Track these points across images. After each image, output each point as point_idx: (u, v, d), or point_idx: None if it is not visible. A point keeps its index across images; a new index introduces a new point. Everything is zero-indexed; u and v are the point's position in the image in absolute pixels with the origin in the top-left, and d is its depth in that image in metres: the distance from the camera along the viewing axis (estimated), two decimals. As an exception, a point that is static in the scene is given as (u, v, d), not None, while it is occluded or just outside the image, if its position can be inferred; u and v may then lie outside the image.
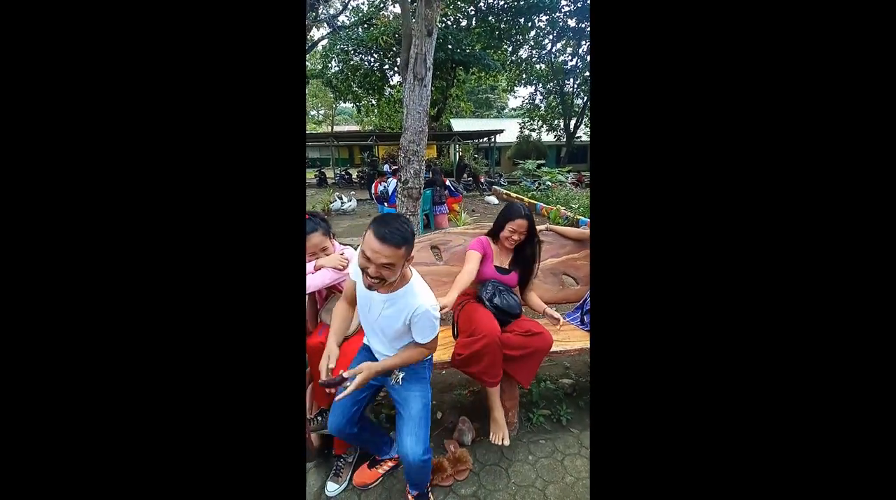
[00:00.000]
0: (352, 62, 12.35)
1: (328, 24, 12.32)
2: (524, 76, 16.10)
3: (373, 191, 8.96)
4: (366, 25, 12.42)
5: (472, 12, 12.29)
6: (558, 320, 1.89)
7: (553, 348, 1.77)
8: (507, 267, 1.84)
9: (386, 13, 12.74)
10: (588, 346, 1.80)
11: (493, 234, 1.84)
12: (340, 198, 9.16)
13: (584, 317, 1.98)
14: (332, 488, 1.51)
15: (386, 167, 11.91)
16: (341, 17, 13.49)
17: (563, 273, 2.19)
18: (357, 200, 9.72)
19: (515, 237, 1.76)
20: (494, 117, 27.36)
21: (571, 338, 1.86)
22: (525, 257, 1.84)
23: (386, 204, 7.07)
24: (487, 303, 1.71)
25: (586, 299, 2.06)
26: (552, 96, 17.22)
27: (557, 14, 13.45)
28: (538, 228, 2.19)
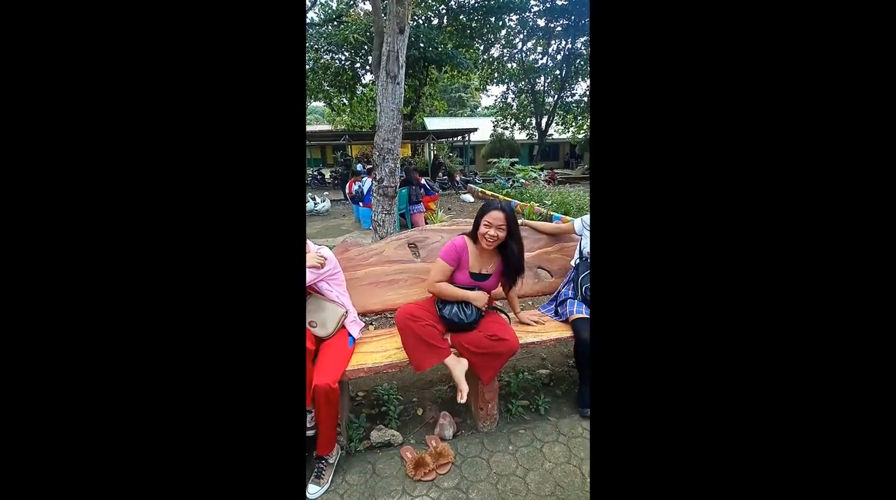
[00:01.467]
0: (322, 60, 12.11)
1: (296, 21, 11.98)
2: (496, 75, 16.28)
3: (347, 191, 8.86)
4: (336, 23, 12.21)
5: (444, 11, 12.30)
6: (536, 322, 1.95)
7: (529, 340, 1.82)
8: (487, 272, 1.74)
9: (356, 10, 12.54)
10: (562, 336, 1.86)
11: (473, 234, 1.73)
12: (314, 198, 8.99)
13: (559, 309, 2.04)
14: (313, 490, 1.49)
15: (359, 167, 11.76)
16: (310, 14, 13.19)
17: (537, 267, 2.24)
18: (330, 201, 9.56)
19: (493, 232, 1.63)
20: (468, 116, 27.50)
21: (547, 329, 1.92)
22: (509, 255, 1.71)
23: (361, 204, 7.01)
24: (438, 311, 1.70)
25: (560, 291, 2.12)
26: (524, 95, 17.48)
27: (527, 14, 13.65)
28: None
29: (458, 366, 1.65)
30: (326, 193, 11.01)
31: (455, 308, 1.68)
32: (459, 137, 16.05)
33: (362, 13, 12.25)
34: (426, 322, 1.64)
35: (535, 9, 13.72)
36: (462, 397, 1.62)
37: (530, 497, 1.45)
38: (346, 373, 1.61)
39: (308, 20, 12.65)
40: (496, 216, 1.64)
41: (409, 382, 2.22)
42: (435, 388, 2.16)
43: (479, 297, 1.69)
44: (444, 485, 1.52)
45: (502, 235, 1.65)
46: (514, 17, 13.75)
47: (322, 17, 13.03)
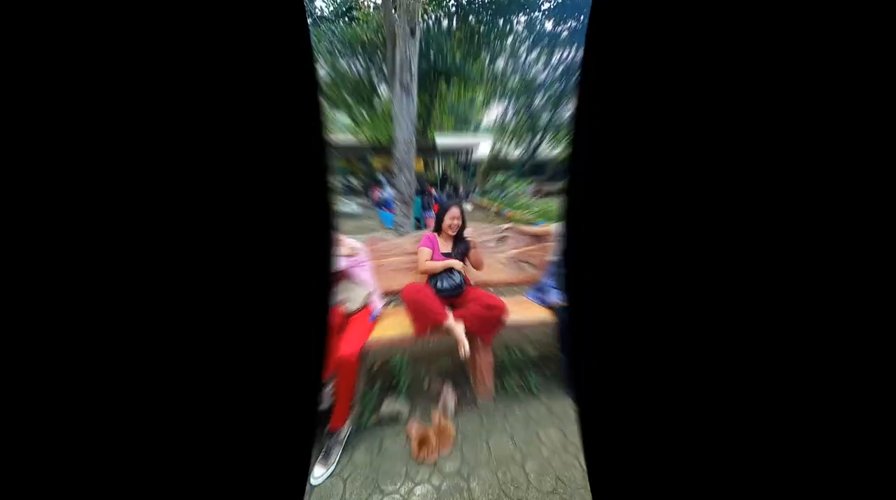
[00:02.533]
0: (338, 66, 12.14)
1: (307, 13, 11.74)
2: (499, 91, 16.63)
3: (372, 197, 9.42)
4: (346, 18, 11.98)
5: (454, 7, 12.13)
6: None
7: (517, 319, 2.08)
8: (450, 252, 2.30)
9: (365, 2, 12.04)
10: (547, 320, 2.11)
11: (438, 228, 2.33)
12: (346, 203, 9.33)
13: (543, 297, 2.33)
14: (318, 473, 1.37)
15: (381, 178, 12.24)
16: (319, 3, 12.53)
17: (523, 261, 2.69)
18: (358, 205, 10.07)
19: (456, 221, 2.25)
20: (472, 132, 27.82)
21: (533, 311, 2.20)
22: (461, 239, 2.32)
23: (384, 208, 7.79)
24: (434, 287, 2.11)
25: (543, 282, 2.45)
26: (521, 113, 17.78)
27: (536, 13, 13.75)
28: (503, 226, 2.75)
29: (457, 326, 1.92)
30: (356, 198, 11.53)
31: (444, 277, 2.13)
32: (464, 154, 16.51)
33: (371, 6, 11.89)
34: (430, 294, 2.03)
35: (545, 6, 13.84)
36: (465, 352, 1.83)
37: (531, 492, 1.43)
38: (366, 345, 1.78)
39: (318, 11, 12.16)
40: (455, 212, 2.28)
41: (419, 355, 2.48)
42: (440, 360, 2.43)
43: (455, 262, 2.19)
44: (445, 470, 1.53)
45: (460, 222, 2.28)
46: (523, 19, 13.83)
47: (331, 7, 12.47)
